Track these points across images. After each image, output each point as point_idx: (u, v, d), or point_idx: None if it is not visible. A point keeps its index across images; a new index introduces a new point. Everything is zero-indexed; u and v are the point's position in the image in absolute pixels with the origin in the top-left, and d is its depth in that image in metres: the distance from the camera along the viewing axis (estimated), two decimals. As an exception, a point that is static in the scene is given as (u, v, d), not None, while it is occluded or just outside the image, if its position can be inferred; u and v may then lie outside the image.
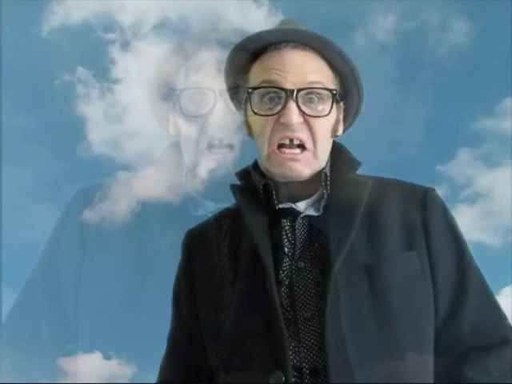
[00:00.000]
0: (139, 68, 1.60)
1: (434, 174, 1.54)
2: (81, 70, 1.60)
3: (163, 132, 1.57)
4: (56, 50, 1.64)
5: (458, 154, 1.56)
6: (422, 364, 1.04)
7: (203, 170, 1.25)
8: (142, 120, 1.58)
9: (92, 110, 1.59)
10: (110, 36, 1.61)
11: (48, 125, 1.60)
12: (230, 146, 1.23)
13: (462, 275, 1.09)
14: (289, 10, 1.55)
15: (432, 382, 1.04)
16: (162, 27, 1.61)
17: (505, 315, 1.09)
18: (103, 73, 1.60)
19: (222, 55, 1.29)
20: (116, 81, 1.59)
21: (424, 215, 1.11)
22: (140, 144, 1.57)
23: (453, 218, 1.14)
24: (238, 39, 1.25)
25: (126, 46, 1.60)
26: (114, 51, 1.60)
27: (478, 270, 1.11)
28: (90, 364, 1.25)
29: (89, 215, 1.29)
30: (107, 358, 1.25)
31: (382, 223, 1.09)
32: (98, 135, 1.56)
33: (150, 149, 1.56)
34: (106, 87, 1.59)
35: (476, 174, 1.54)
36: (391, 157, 1.63)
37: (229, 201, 1.16)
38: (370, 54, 1.66)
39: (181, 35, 1.59)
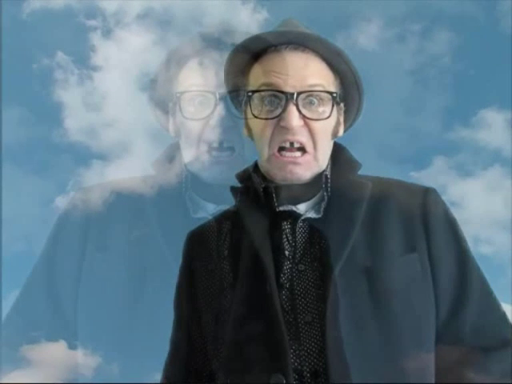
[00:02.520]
0: (120, 57, 1.58)
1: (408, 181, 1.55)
2: (60, 55, 1.57)
3: (141, 123, 1.56)
4: (36, 33, 1.61)
5: (433, 161, 1.57)
6: (423, 365, 1.06)
7: (203, 173, 1.24)
8: (120, 110, 1.56)
9: (70, 96, 1.56)
10: (92, 23, 1.59)
11: (24, 108, 1.58)
12: (231, 149, 1.23)
13: (462, 276, 1.11)
14: (274, 8, 1.55)
15: (433, 382, 1.06)
16: (146, 17, 1.60)
17: (505, 315, 1.11)
18: (83, 59, 1.57)
19: (205, 50, 1.29)
20: (96, 68, 1.56)
21: (425, 215, 1.12)
22: (117, 134, 1.55)
23: (454, 218, 1.16)
24: (222, 35, 1.25)
25: (107, 33, 1.58)
26: (95, 38, 1.57)
27: (479, 270, 1.13)
28: (53, 353, 1.23)
29: (88, 215, 1.27)
30: (72, 347, 1.23)
31: (382, 225, 1.11)
32: (75, 122, 1.54)
33: (126, 139, 1.54)
34: (85, 74, 1.57)
35: (449, 183, 1.56)
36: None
37: (229, 203, 1.16)
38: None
39: (164, 27, 1.59)
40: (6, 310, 1.28)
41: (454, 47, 1.63)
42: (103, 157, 1.52)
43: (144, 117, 1.55)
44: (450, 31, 1.65)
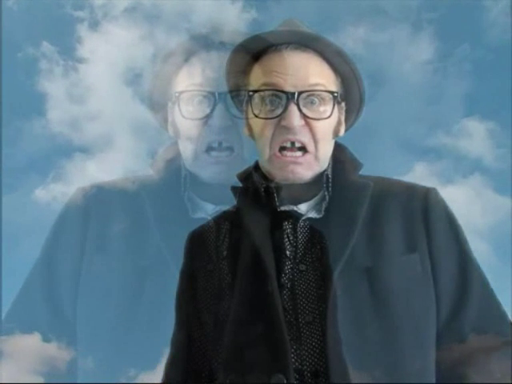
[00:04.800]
0: (106, 50, 1.57)
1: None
2: (46, 45, 1.56)
3: (124, 117, 1.55)
4: (21, 22, 1.59)
5: (415, 167, 1.59)
6: (424, 365, 1.06)
7: (202, 173, 1.23)
8: (104, 103, 1.56)
9: (54, 87, 1.55)
10: (79, 14, 1.57)
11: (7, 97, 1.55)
12: (230, 149, 1.22)
13: (463, 275, 1.11)
14: (263, 9, 1.55)
15: (433, 382, 1.06)
16: (134, 11, 1.59)
17: (506, 315, 1.12)
18: (69, 51, 1.56)
19: (203, 50, 1.28)
20: (81, 60, 1.55)
21: (426, 215, 1.13)
22: (100, 127, 1.54)
23: (455, 218, 1.16)
24: (221, 35, 1.25)
25: (94, 25, 1.57)
26: (82, 30, 1.56)
27: (480, 269, 1.14)
28: (28, 345, 1.22)
29: (87, 215, 1.25)
30: (46, 340, 1.22)
31: (383, 225, 1.11)
32: (58, 114, 1.52)
33: (109, 133, 1.53)
34: (70, 65, 1.56)
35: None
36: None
37: (228, 203, 1.15)
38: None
39: (152, 22, 1.58)
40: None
41: (440, 53, 1.65)
42: (85, 150, 1.52)
43: (128, 111, 1.55)
44: (434, 39, 1.66)
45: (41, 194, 1.45)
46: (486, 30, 1.65)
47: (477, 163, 1.60)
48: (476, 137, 1.60)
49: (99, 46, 1.56)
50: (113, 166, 1.48)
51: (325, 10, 1.62)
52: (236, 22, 1.48)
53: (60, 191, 1.48)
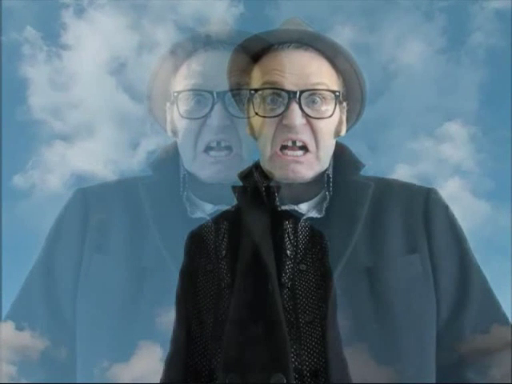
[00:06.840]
0: (91, 38, 1.56)
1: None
2: (29, 30, 1.53)
3: (107, 106, 1.54)
4: (5, 5, 1.56)
5: (396, 169, 1.59)
6: (424, 365, 1.07)
7: (201, 172, 1.22)
8: (86, 91, 1.54)
9: (36, 73, 1.52)
10: (65, 0, 1.55)
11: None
12: (228, 148, 1.20)
13: (464, 276, 1.12)
14: (251, 3, 1.55)
15: (434, 382, 1.07)
16: (121, 0, 1.58)
17: (506, 316, 1.13)
18: (53, 37, 1.54)
19: (202, 50, 1.27)
20: (65, 47, 1.53)
21: (426, 216, 1.14)
22: (81, 115, 1.53)
23: (455, 219, 1.17)
24: (220, 34, 1.25)
25: (80, 12, 1.55)
26: (67, 16, 1.54)
27: (480, 270, 1.15)
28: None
29: (86, 215, 1.23)
30: (20, 328, 1.21)
31: (384, 225, 1.11)
32: (40, 100, 1.50)
33: (91, 121, 1.52)
34: (53, 52, 1.53)
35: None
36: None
37: (227, 202, 1.15)
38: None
39: (139, 11, 1.57)
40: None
41: (425, 56, 1.66)
42: (66, 138, 1.50)
43: (111, 100, 1.53)
44: (421, 42, 1.67)
45: (19, 180, 1.44)
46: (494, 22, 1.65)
47: (457, 167, 1.62)
48: (458, 141, 1.61)
49: (84, 34, 1.55)
50: (93, 155, 1.47)
51: (333, 1, 1.61)
52: (223, 17, 1.47)
53: (39, 178, 1.47)
